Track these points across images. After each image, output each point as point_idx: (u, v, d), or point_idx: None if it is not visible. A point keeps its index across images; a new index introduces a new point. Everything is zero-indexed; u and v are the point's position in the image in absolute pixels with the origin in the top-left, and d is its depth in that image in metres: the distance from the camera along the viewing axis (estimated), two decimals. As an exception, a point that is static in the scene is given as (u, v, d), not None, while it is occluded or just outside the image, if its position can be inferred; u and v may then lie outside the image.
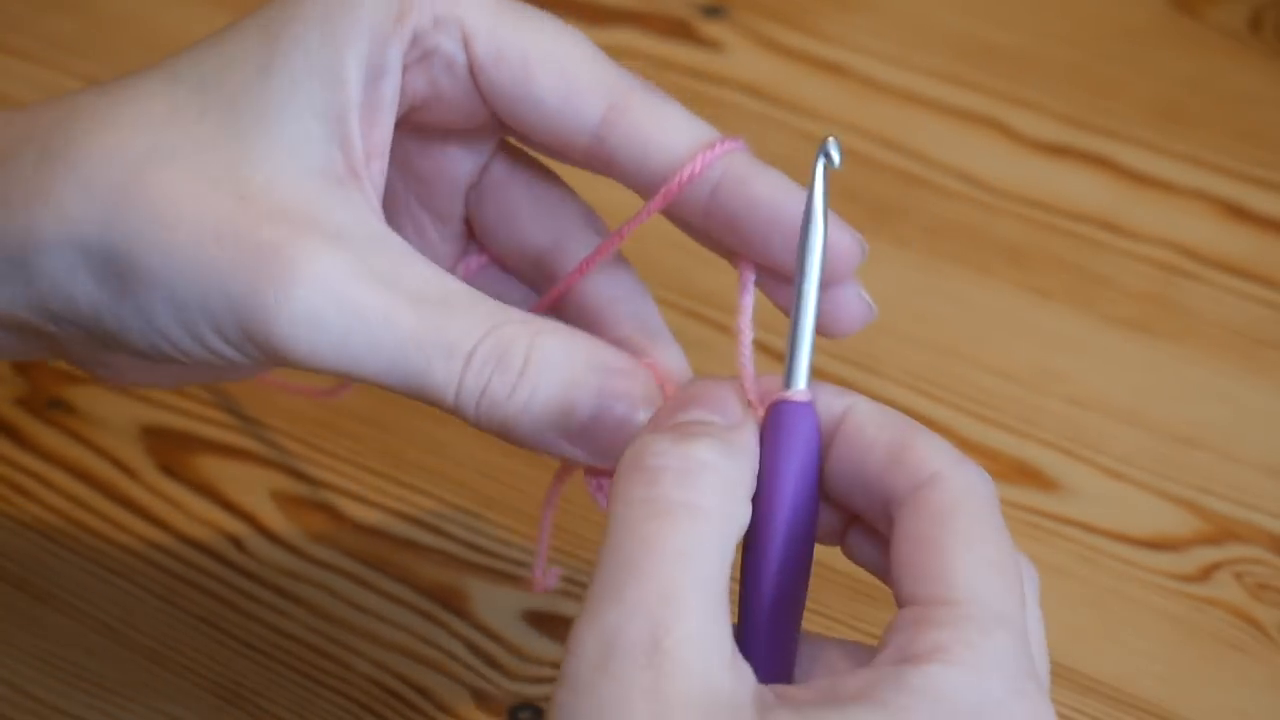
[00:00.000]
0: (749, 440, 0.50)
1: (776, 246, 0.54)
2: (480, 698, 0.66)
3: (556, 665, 0.67)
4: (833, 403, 0.52)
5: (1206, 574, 0.70)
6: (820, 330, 0.53)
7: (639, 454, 0.48)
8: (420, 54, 0.54)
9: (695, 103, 0.89)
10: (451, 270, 0.60)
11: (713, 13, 0.93)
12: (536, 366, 0.53)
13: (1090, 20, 0.92)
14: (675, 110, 0.54)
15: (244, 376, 0.63)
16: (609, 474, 0.55)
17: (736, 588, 0.50)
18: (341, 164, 0.53)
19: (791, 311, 0.52)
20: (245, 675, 0.66)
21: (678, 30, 0.92)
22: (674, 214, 0.56)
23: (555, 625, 0.68)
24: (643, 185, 0.55)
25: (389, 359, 0.52)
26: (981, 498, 0.50)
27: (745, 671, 0.47)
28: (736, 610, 0.50)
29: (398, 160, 0.58)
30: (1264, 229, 0.82)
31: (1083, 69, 0.90)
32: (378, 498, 0.72)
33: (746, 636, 0.50)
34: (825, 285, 0.53)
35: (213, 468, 0.73)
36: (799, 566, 0.51)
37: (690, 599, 0.46)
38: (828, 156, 0.52)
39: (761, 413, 0.52)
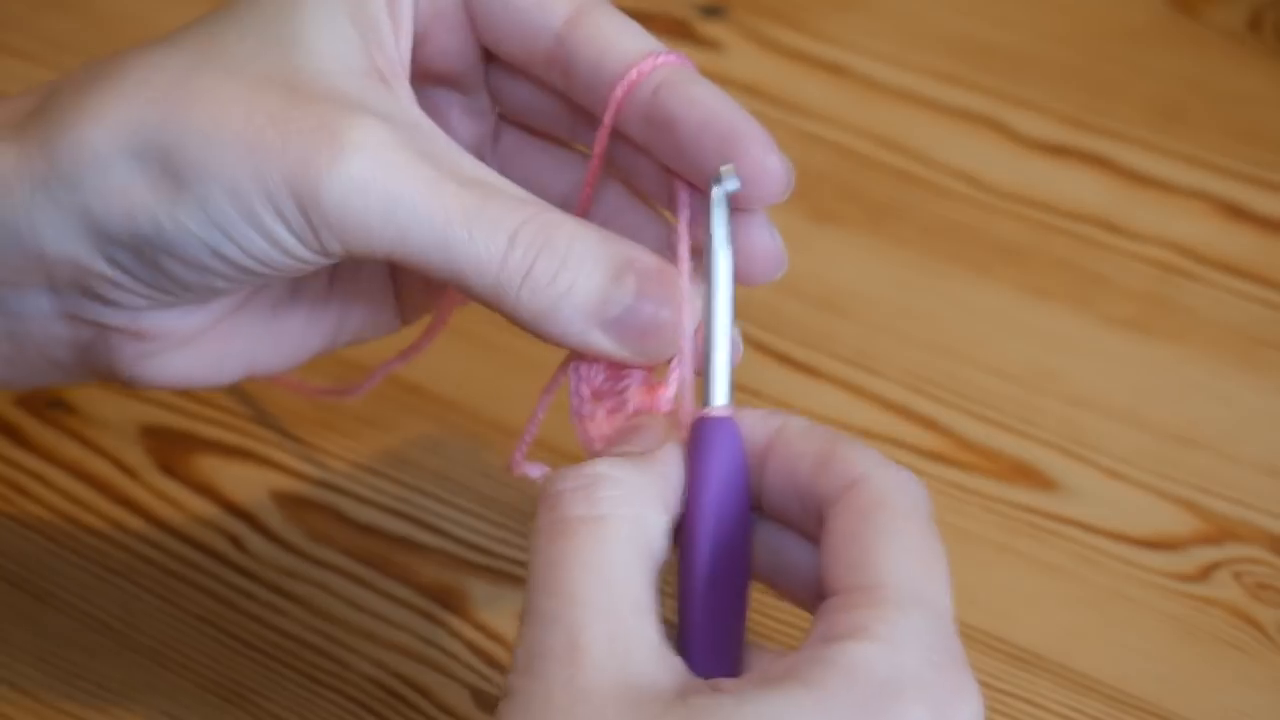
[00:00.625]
0: (667, 455, 0.53)
1: (709, 149, 0.55)
2: (480, 698, 0.66)
3: (556, 665, 0.67)
4: (764, 423, 0.54)
5: (1205, 574, 0.70)
6: (738, 279, 0.55)
7: (545, 484, 0.51)
8: None
9: (695, 103, 0.89)
10: None
11: (712, 13, 0.93)
12: (579, 255, 0.54)
13: (1090, 20, 0.92)
14: (629, 23, 0.57)
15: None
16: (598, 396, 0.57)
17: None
18: (379, 66, 0.56)
19: (705, 329, 0.54)
20: (245, 675, 0.66)
21: (677, 30, 0.92)
22: (619, 125, 0.57)
23: (555, 625, 0.68)
24: (595, 89, 0.57)
25: (434, 231, 0.54)
26: (907, 495, 0.51)
27: (674, 664, 0.49)
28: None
29: None
30: (1263, 229, 0.82)
31: (1082, 69, 0.90)
32: (378, 498, 0.72)
33: (684, 637, 0.52)
34: (735, 210, 0.55)
35: (213, 468, 0.73)
36: (733, 571, 0.52)
37: (601, 601, 0.49)
38: (724, 190, 0.54)
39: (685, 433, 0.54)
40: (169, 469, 0.73)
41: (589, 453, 0.56)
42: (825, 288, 0.80)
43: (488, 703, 0.66)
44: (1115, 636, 0.68)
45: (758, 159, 0.55)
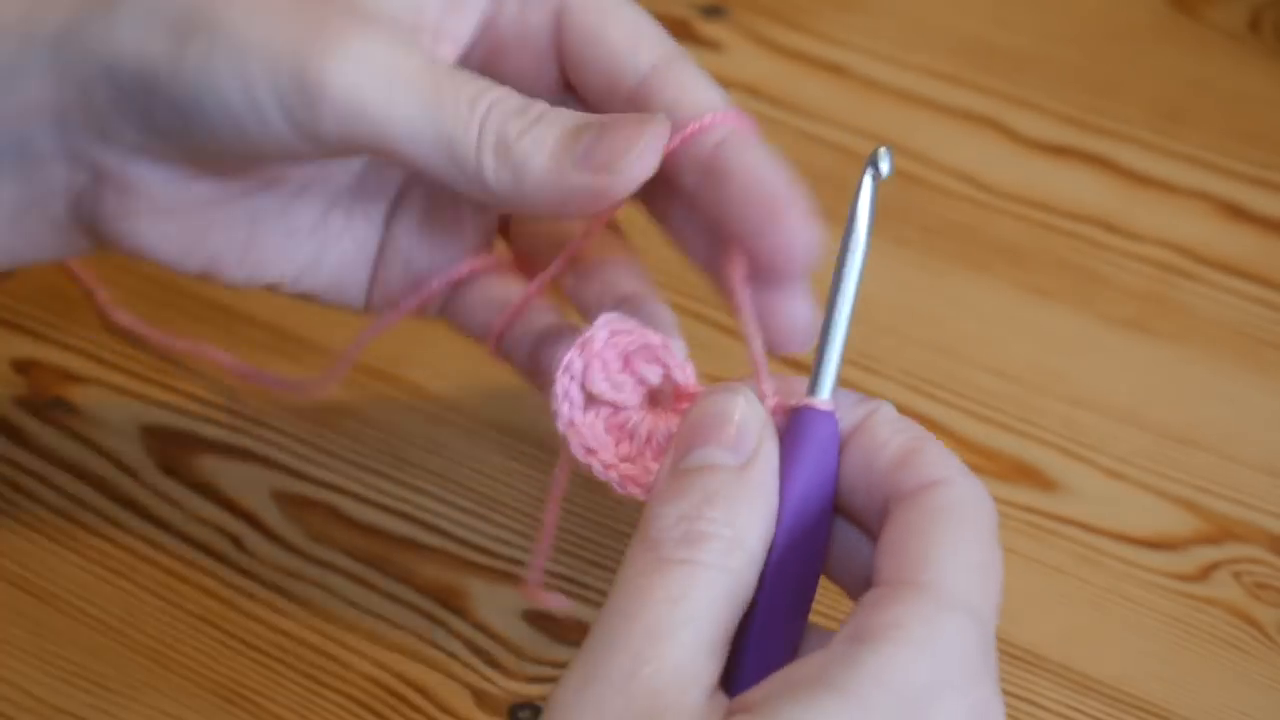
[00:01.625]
0: (763, 480, 0.51)
1: (755, 210, 0.57)
2: (480, 697, 0.66)
3: (556, 665, 0.67)
4: (856, 409, 0.53)
5: (1205, 574, 0.70)
6: (768, 345, 0.56)
7: (645, 526, 0.50)
8: None
9: (695, 103, 0.89)
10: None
11: (713, 13, 0.93)
12: (552, 112, 0.56)
13: (1090, 20, 0.93)
14: (708, 80, 0.60)
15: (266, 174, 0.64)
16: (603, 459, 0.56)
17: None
18: (414, 21, 0.59)
19: (824, 317, 0.54)
20: (245, 675, 0.66)
21: (678, 30, 0.92)
22: (675, 173, 0.59)
23: (555, 625, 0.68)
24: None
25: (421, 106, 0.56)
26: (982, 509, 0.51)
27: (720, 701, 0.48)
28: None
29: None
30: (1263, 229, 0.82)
31: (1082, 69, 0.90)
32: (378, 498, 0.72)
33: (751, 622, 0.51)
34: (771, 284, 0.57)
35: (213, 467, 0.73)
36: (806, 562, 0.52)
37: (675, 634, 0.48)
38: (875, 167, 0.54)
39: (778, 418, 0.52)
40: (169, 469, 0.73)
41: (587, 464, 0.56)
42: (825, 287, 0.80)
43: (488, 703, 0.66)
44: (1115, 636, 0.68)
45: (796, 229, 0.58)
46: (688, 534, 0.49)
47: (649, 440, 0.55)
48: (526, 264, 0.65)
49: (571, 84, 0.62)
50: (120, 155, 0.60)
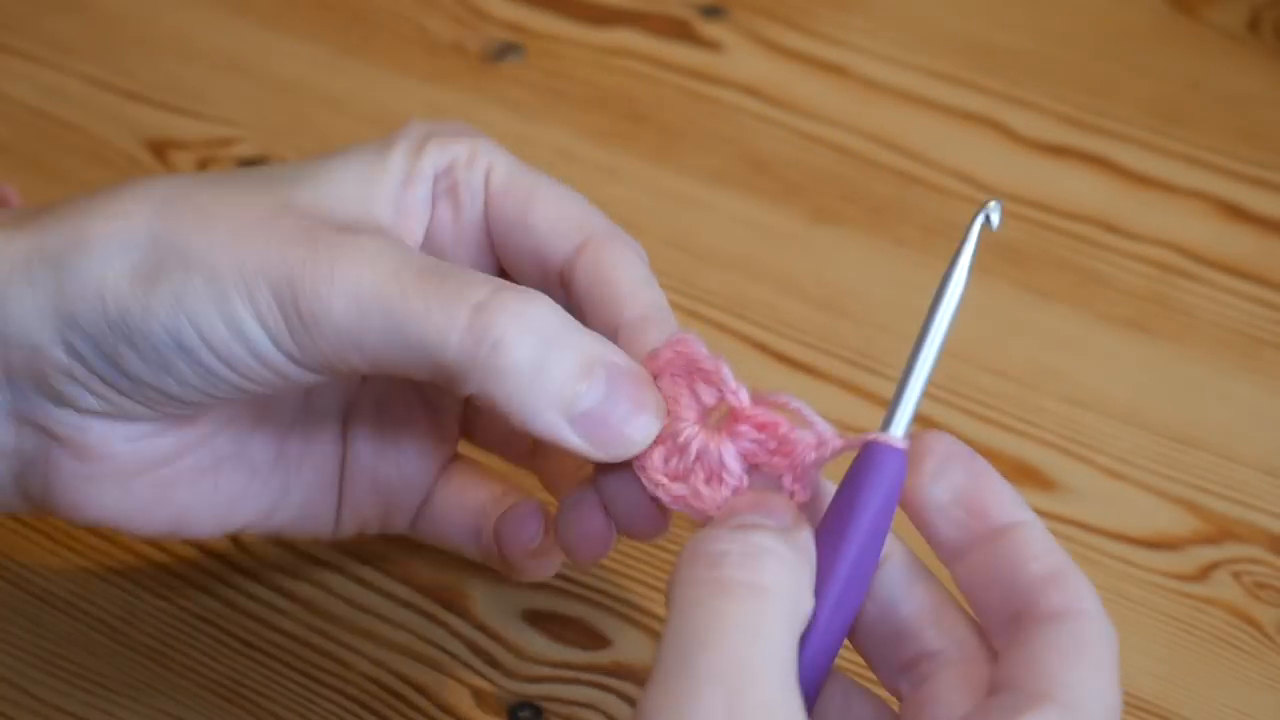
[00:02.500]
0: (807, 539, 0.52)
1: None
2: (480, 697, 0.66)
3: (556, 665, 0.67)
4: (1009, 511, 0.53)
5: (1205, 573, 0.70)
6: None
7: (699, 542, 0.51)
8: (450, 183, 0.61)
9: (695, 103, 0.89)
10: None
11: (713, 13, 0.93)
12: (551, 331, 0.55)
13: (1089, 20, 0.92)
14: (635, 254, 0.60)
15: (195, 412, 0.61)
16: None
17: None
18: (374, 220, 0.58)
19: (910, 355, 0.54)
20: (245, 675, 0.66)
21: (678, 30, 0.93)
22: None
23: (555, 625, 0.68)
24: (597, 314, 0.59)
25: (395, 317, 0.55)
26: (1115, 649, 0.52)
27: None
28: None
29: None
30: (1263, 229, 0.82)
31: (1082, 69, 0.90)
32: (378, 497, 0.72)
33: (805, 659, 0.52)
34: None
35: (213, 467, 0.73)
36: (856, 604, 0.53)
37: (762, 670, 0.48)
38: (987, 219, 0.54)
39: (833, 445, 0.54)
40: (169, 469, 0.73)
41: (648, 482, 0.56)
42: (825, 288, 0.80)
43: (488, 703, 0.66)
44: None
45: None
46: (746, 548, 0.50)
47: (699, 459, 0.55)
48: (497, 451, 0.65)
49: (504, 271, 0.62)
50: (77, 418, 0.58)
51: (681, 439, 0.55)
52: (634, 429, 0.55)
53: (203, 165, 0.85)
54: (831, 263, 0.81)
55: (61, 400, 0.57)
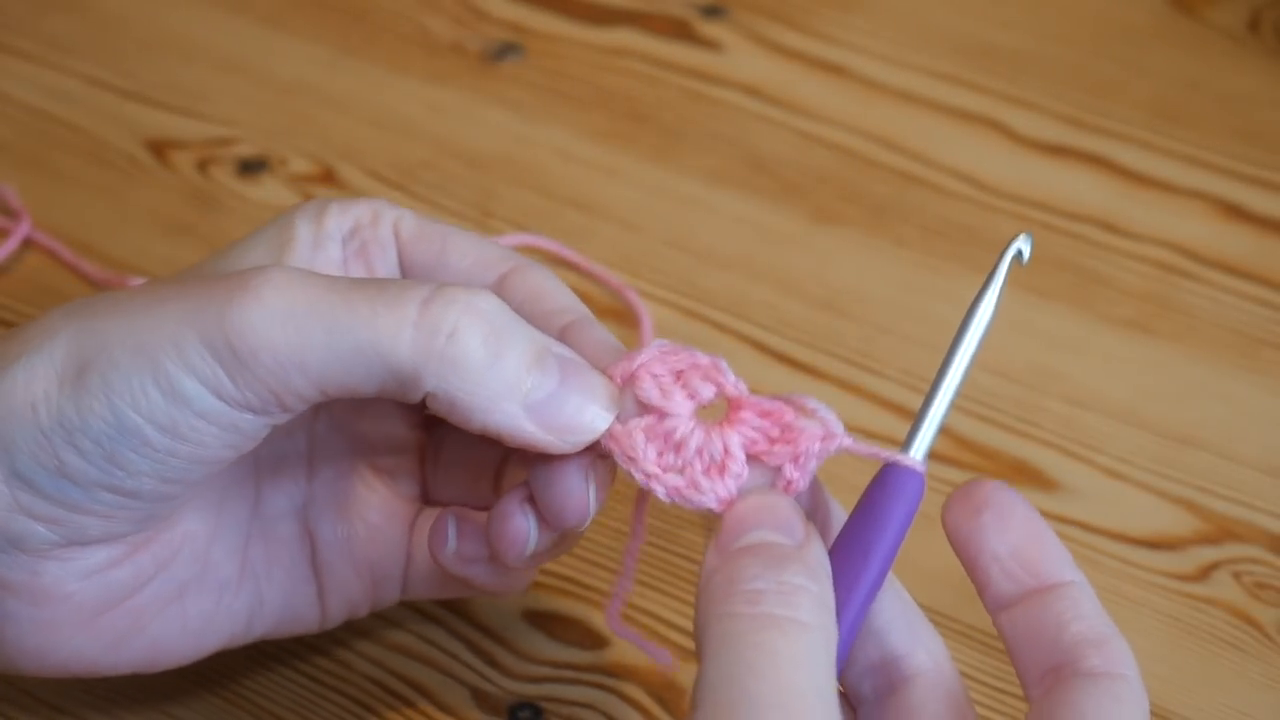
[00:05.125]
0: (820, 554, 0.53)
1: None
2: (480, 697, 0.66)
3: (556, 665, 0.67)
4: (1061, 569, 0.55)
5: (1205, 573, 0.70)
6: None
7: (732, 579, 0.52)
8: (360, 244, 0.60)
9: (695, 103, 0.89)
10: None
11: (713, 13, 0.93)
12: (503, 322, 0.55)
13: (1089, 20, 0.93)
14: (557, 284, 0.60)
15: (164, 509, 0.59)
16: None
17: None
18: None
19: (935, 379, 0.55)
20: (245, 675, 0.66)
21: (678, 30, 0.93)
22: None
23: (555, 625, 0.68)
24: (535, 324, 0.58)
25: (339, 330, 0.54)
26: (1145, 707, 0.54)
27: None
28: None
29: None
30: (1262, 229, 0.82)
31: (1082, 69, 0.90)
32: (378, 497, 0.72)
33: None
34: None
35: (213, 467, 0.73)
36: (863, 616, 0.54)
37: (814, 697, 0.50)
38: (1019, 253, 0.55)
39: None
40: (169, 469, 0.73)
41: (628, 473, 0.56)
42: (825, 288, 0.80)
43: (488, 703, 0.66)
44: (1115, 636, 0.68)
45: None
46: (781, 587, 0.51)
47: (700, 453, 0.55)
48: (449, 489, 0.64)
49: None
50: (28, 560, 0.56)
51: (678, 434, 0.55)
52: (589, 415, 0.55)
53: (203, 165, 0.85)
54: (831, 263, 0.81)
55: (11, 542, 0.56)
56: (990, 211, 0.83)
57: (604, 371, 0.56)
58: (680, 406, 0.55)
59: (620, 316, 0.78)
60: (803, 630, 0.51)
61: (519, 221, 0.83)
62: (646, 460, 0.55)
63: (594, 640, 0.67)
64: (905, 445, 0.54)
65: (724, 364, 0.56)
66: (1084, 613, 0.54)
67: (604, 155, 0.86)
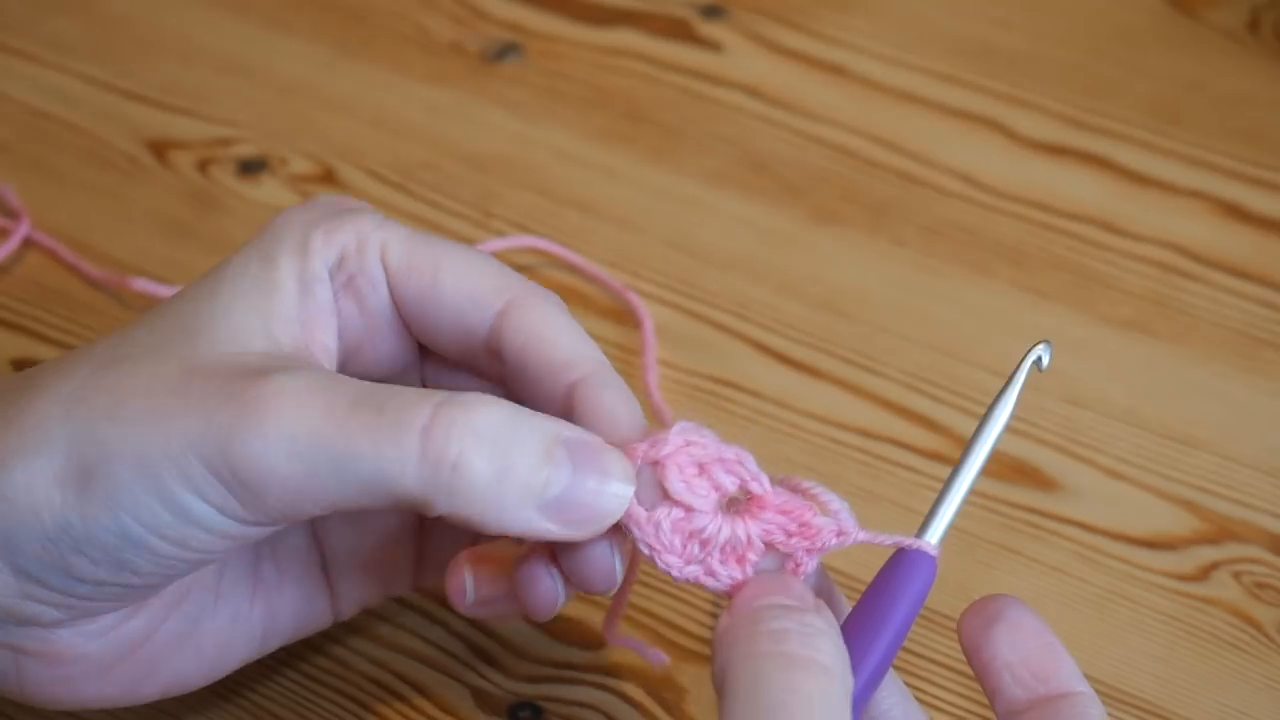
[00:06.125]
0: (833, 624, 0.54)
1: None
2: (480, 697, 0.66)
3: (556, 665, 0.67)
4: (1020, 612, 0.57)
5: (1205, 573, 0.70)
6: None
7: (755, 622, 0.52)
8: (347, 277, 0.58)
9: (695, 103, 0.89)
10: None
11: (712, 13, 0.93)
12: (506, 434, 0.53)
13: (1089, 21, 0.93)
14: (559, 312, 0.58)
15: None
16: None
17: None
18: (281, 349, 0.56)
19: (955, 467, 0.56)
20: (245, 674, 0.66)
21: (678, 30, 0.93)
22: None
23: (555, 625, 0.68)
24: (540, 380, 0.58)
25: (341, 460, 0.53)
26: None
27: None
28: None
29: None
30: (1262, 229, 0.82)
31: (1081, 69, 0.90)
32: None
33: None
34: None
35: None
36: (874, 690, 0.55)
37: None
38: (1038, 360, 0.57)
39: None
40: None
41: (649, 559, 0.56)
42: (825, 288, 0.80)
43: (488, 703, 0.66)
44: (1115, 636, 0.68)
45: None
46: (804, 629, 0.52)
47: (726, 548, 0.56)
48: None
49: (427, 351, 0.60)
50: (41, 632, 0.56)
51: (706, 532, 0.55)
52: (606, 500, 0.54)
53: (203, 165, 0.85)
54: (831, 263, 0.81)
55: (22, 621, 0.56)
56: (990, 212, 0.83)
57: (622, 447, 0.55)
58: (705, 502, 0.55)
59: (621, 318, 0.78)
60: (826, 673, 0.51)
61: (519, 222, 0.83)
62: (670, 552, 0.55)
63: (594, 640, 0.67)
64: (921, 529, 0.56)
65: (749, 457, 0.56)
66: (1031, 630, 0.56)
67: (604, 155, 0.86)
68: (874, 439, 0.74)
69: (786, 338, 0.78)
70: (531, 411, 0.54)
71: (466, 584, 0.60)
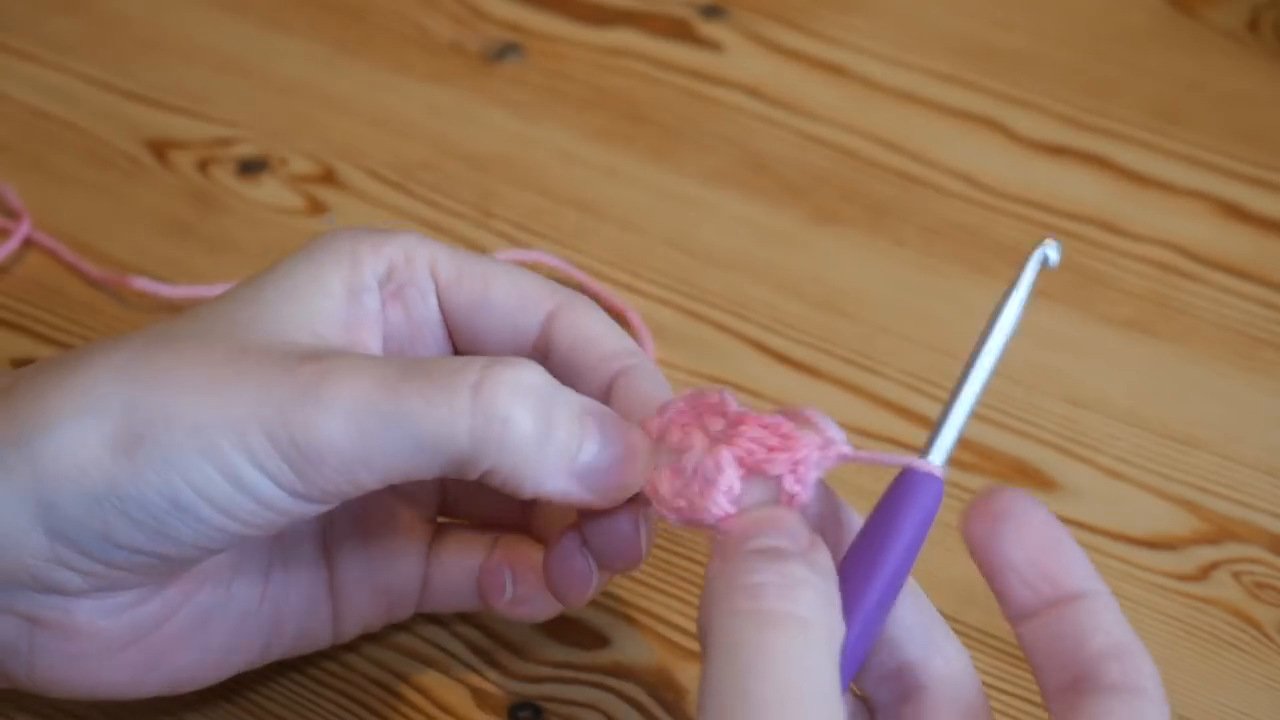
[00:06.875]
0: (826, 561, 0.53)
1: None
2: (480, 697, 0.66)
3: (556, 665, 0.67)
4: (1086, 578, 0.54)
5: (1205, 573, 0.70)
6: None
7: (734, 575, 0.52)
8: (396, 287, 0.60)
9: (695, 103, 0.89)
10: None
11: (712, 13, 0.93)
12: (549, 394, 0.55)
13: (1089, 20, 0.93)
14: (602, 317, 0.60)
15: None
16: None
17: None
18: (327, 344, 0.57)
19: (956, 383, 0.54)
20: (245, 675, 0.66)
21: (678, 30, 0.93)
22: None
23: (555, 625, 0.68)
24: (586, 374, 0.59)
25: (401, 424, 0.54)
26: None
27: None
28: None
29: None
30: (1262, 229, 0.82)
31: (1081, 69, 0.90)
32: (378, 497, 0.72)
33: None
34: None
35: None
36: (880, 622, 0.53)
37: (811, 698, 0.50)
38: (1045, 259, 0.54)
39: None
40: (169, 469, 0.73)
41: (658, 509, 0.56)
42: (825, 288, 0.80)
43: (488, 703, 0.66)
44: (1115, 636, 0.68)
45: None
46: (783, 579, 0.51)
47: (695, 473, 0.55)
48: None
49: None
50: (62, 601, 0.56)
51: (683, 460, 0.55)
52: (630, 471, 0.56)
53: (203, 165, 0.85)
54: (831, 263, 0.81)
55: (47, 588, 0.56)
56: (990, 212, 0.83)
57: (640, 424, 0.57)
58: (696, 442, 0.55)
59: (620, 319, 0.79)
60: (803, 627, 0.50)
61: (519, 221, 0.83)
62: (662, 493, 0.56)
63: (594, 640, 0.67)
64: (924, 450, 0.54)
65: (728, 394, 0.56)
66: (1104, 624, 0.53)
67: (604, 155, 0.86)
68: (874, 439, 0.74)
69: (786, 338, 0.78)
70: (561, 384, 0.56)
71: (505, 581, 0.62)
